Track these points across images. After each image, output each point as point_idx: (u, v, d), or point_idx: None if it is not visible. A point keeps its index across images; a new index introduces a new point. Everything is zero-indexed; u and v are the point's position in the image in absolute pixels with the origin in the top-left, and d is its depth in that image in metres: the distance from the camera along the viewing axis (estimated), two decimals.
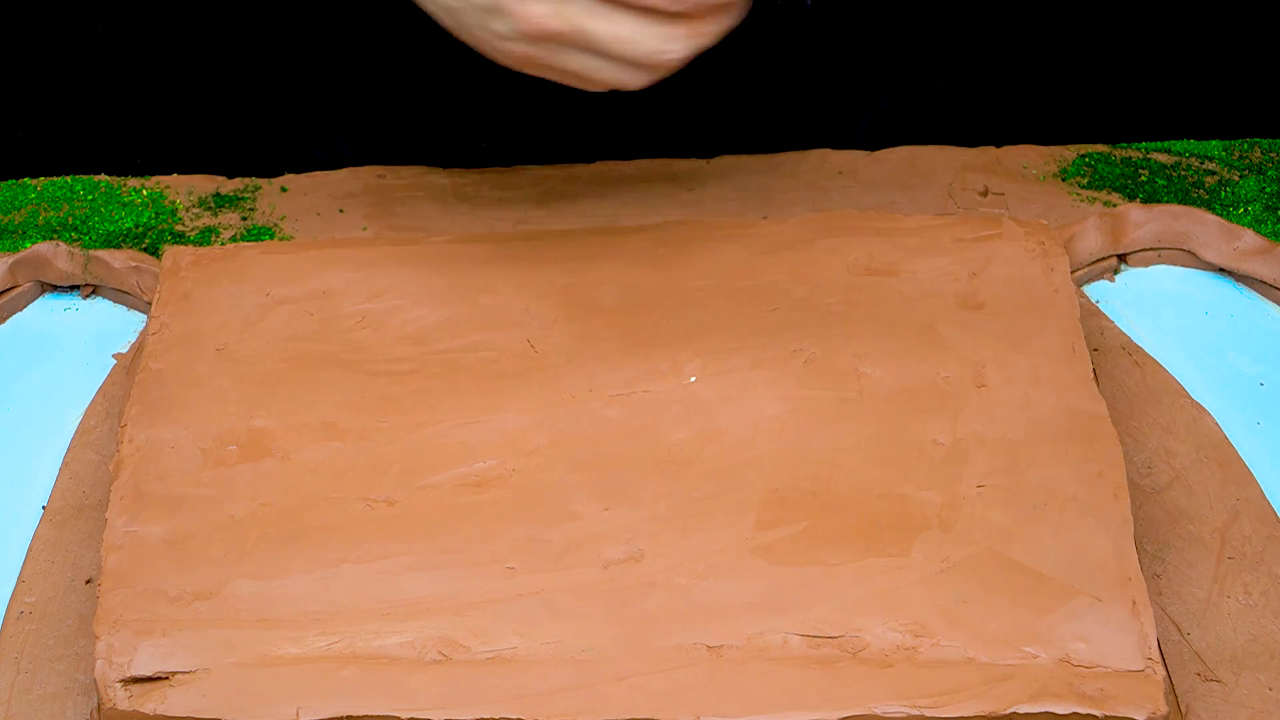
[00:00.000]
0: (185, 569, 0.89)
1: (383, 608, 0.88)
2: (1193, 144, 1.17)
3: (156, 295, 1.03)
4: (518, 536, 0.90)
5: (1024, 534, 0.89)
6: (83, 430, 1.02)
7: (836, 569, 0.88)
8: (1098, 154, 1.16)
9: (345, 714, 0.84)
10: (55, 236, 1.12)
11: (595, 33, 0.91)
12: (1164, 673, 0.85)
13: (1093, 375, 0.97)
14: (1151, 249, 1.10)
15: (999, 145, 1.16)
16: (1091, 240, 1.08)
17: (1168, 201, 1.12)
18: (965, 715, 0.83)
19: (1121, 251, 1.09)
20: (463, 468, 0.94)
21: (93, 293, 1.10)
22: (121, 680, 0.85)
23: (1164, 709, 0.83)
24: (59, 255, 1.09)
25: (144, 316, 1.08)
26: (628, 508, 0.92)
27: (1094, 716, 0.83)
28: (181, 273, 1.04)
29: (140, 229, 1.13)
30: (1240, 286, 1.08)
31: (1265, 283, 1.07)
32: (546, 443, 0.95)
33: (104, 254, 1.09)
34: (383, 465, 0.94)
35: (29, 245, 1.10)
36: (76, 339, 1.07)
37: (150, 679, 0.85)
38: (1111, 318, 1.06)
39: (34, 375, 1.05)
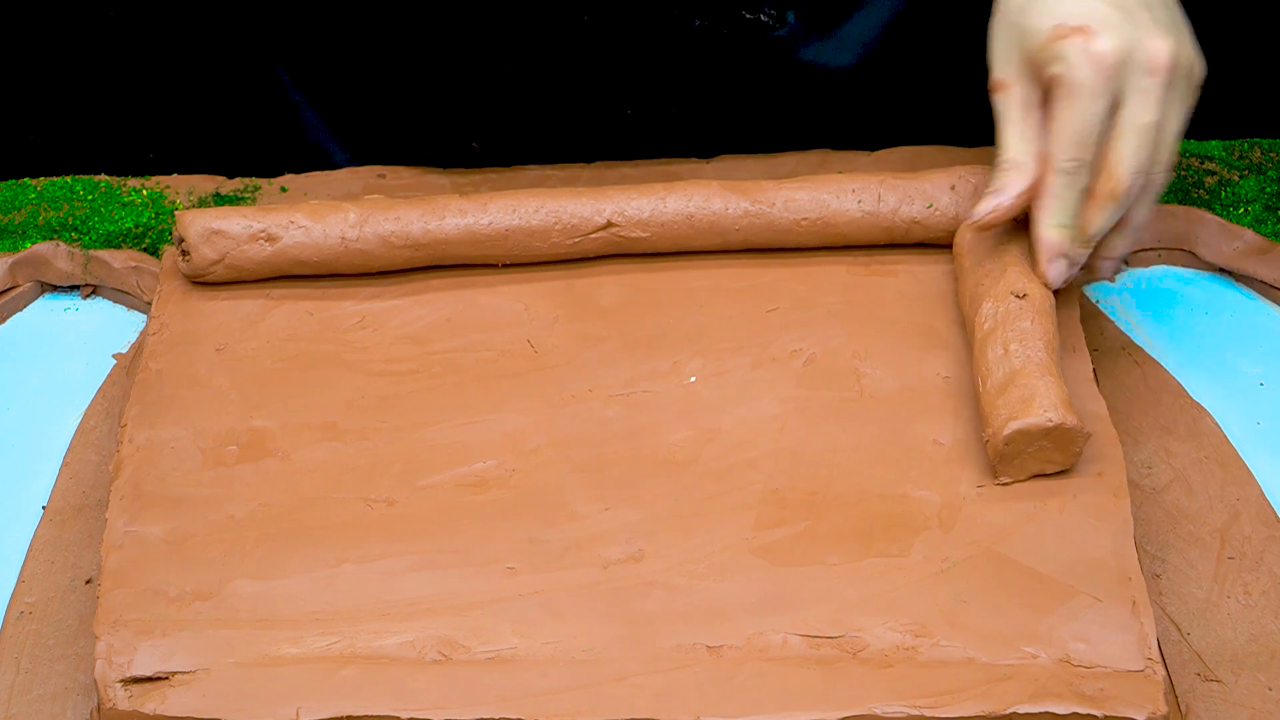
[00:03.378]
0: (185, 569, 0.89)
1: (383, 608, 0.88)
2: (1193, 144, 1.17)
3: (156, 295, 1.03)
4: (518, 537, 0.90)
5: (1024, 534, 0.89)
6: (83, 430, 1.02)
7: (836, 569, 0.88)
8: None
9: (345, 714, 0.84)
10: (55, 236, 1.12)
11: None
12: (1164, 673, 0.85)
13: (1093, 375, 0.97)
14: (1151, 249, 1.10)
15: None
16: None
17: (1168, 201, 1.12)
18: (965, 715, 0.83)
19: None
20: (463, 468, 0.94)
21: (93, 293, 1.10)
22: (121, 680, 0.85)
23: (1164, 709, 0.83)
24: (59, 255, 1.09)
25: (144, 316, 1.08)
26: (628, 508, 0.91)
27: (1094, 716, 0.83)
28: (181, 273, 1.04)
29: (140, 229, 1.12)
30: (1240, 286, 1.08)
31: (1265, 283, 1.07)
32: (546, 443, 0.95)
33: (104, 254, 1.09)
34: (383, 465, 0.94)
35: (29, 245, 1.10)
36: (76, 339, 1.07)
37: (150, 679, 0.85)
38: (1111, 318, 1.06)
39: (34, 375, 1.05)
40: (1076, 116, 0.94)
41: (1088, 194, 0.97)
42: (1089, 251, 0.98)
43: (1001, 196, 0.97)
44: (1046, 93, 0.96)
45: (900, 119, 1.21)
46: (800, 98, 1.18)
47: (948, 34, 1.19)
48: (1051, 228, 0.96)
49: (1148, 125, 0.94)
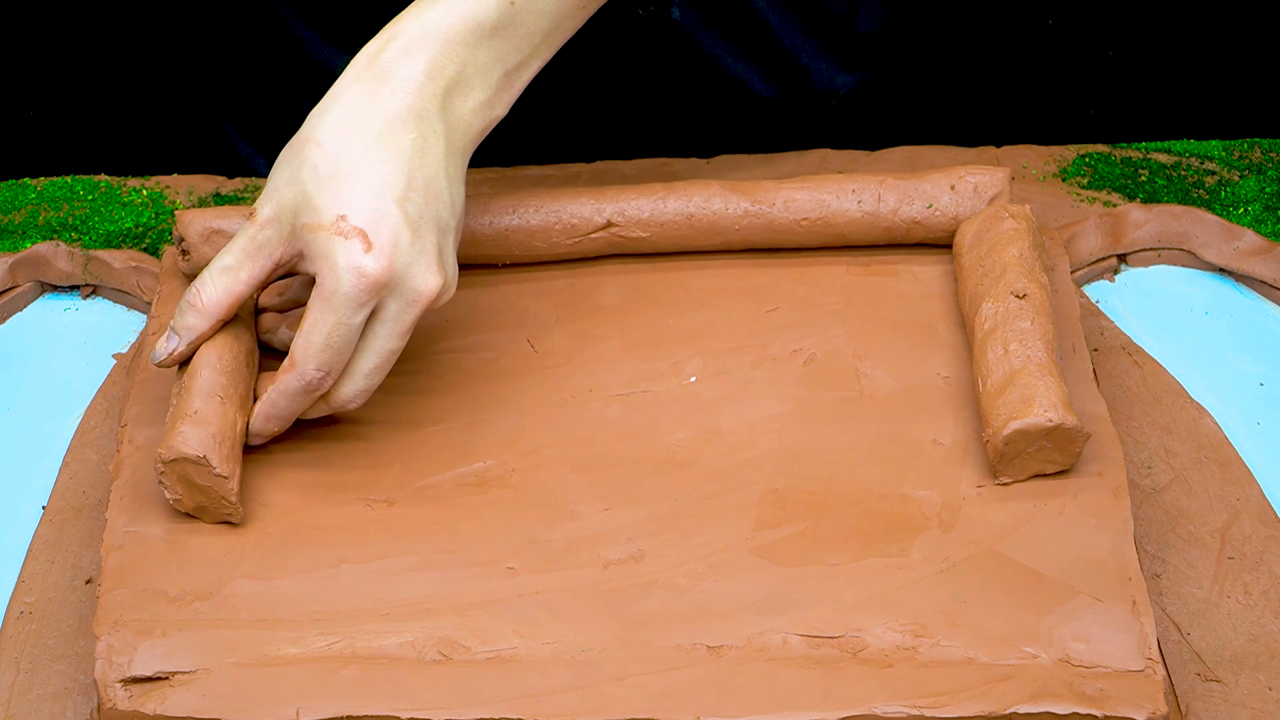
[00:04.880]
0: (185, 569, 0.89)
1: (383, 608, 0.88)
2: (1193, 144, 1.17)
3: (156, 295, 1.03)
4: (518, 536, 0.90)
5: (1024, 534, 0.89)
6: (83, 430, 1.02)
7: (836, 569, 0.88)
8: (1098, 154, 1.16)
9: (345, 714, 0.84)
10: (55, 236, 1.12)
11: None
12: (1164, 673, 0.85)
13: (1093, 375, 0.97)
14: (1151, 249, 1.10)
15: (999, 145, 1.16)
16: (1091, 240, 1.08)
17: (1168, 201, 1.12)
18: (965, 715, 0.83)
19: (1121, 251, 1.09)
20: (463, 468, 0.94)
21: (93, 293, 1.10)
22: (121, 680, 0.85)
23: (1164, 709, 0.83)
24: (59, 255, 1.09)
25: (144, 316, 1.08)
26: (628, 508, 0.91)
27: (1094, 716, 0.83)
28: (181, 273, 1.04)
29: (140, 229, 1.13)
30: (1240, 286, 1.08)
31: (1265, 283, 1.07)
32: (546, 443, 0.95)
33: (104, 254, 1.09)
34: (383, 465, 0.94)
35: (29, 245, 1.10)
36: (76, 339, 1.07)
37: (150, 679, 0.85)
38: (1111, 318, 1.06)
39: (34, 375, 1.05)
40: (331, 326, 0.89)
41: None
42: None
43: (178, 342, 0.93)
44: (298, 260, 0.91)
45: (900, 119, 1.21)
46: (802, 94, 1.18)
47: (944, 33, 1.19)
48: (270, 419, 0.93)
49: (391, 352, 0.92)
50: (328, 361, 0.90)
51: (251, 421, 0.93)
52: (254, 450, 0.94)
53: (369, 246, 0.88)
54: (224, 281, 0.92)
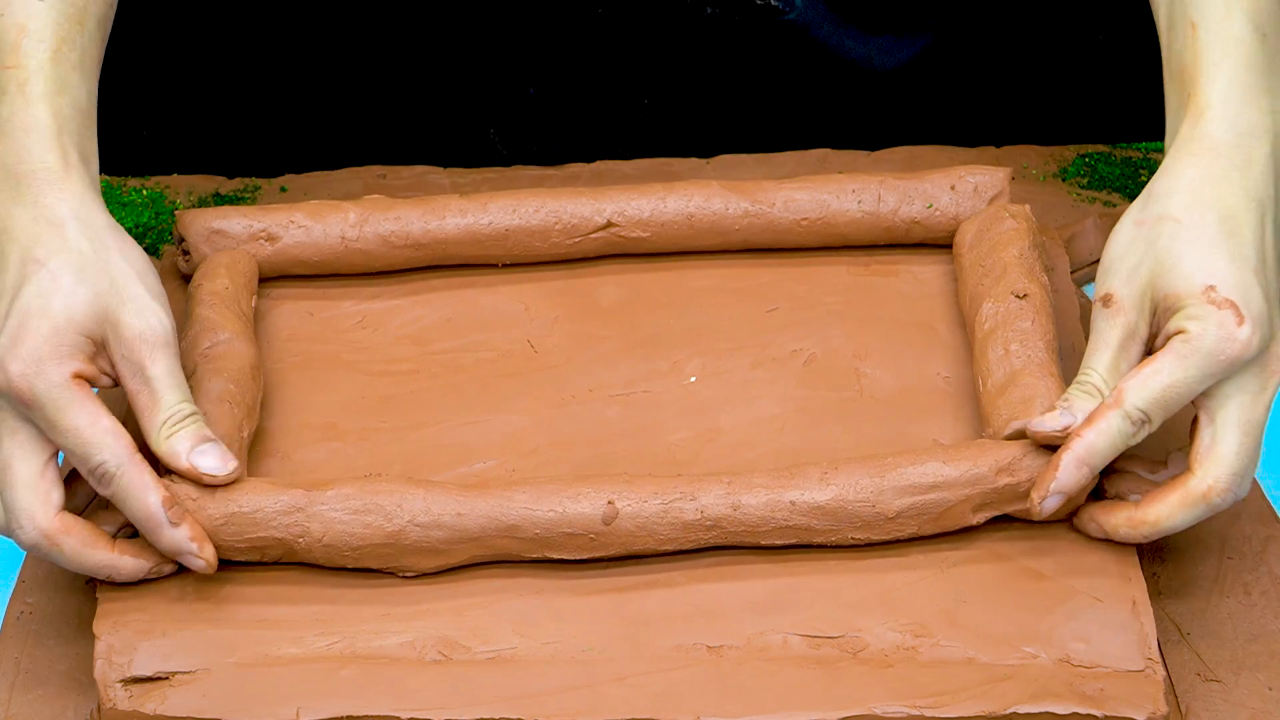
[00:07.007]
0: (185, 569, 0.89)
1: (383, 608, 0.87)
2: None
3: None
4: None
5: (1024, 534, 0.89)
6: None
7: (836, 569, 0.88)
8: (1098, 154, 1.16)
9: (345, 714, 0.84)
10: None
11: None
12: (1164, 673, 0.85)
13: None
14: None
15: (999, 145, 1.16)
16: (1091, 240, 1.08)
17: None
18: (965, 715, 0.83)
19: None
20: (463, 468, 0.94)
21: None
22: (121, 680, 0.85)
23: (1164, 709, 0.83)
24: None
25: None
26: None
27: (1094, 716, 0.83)
28: (181, 273, 1.03)
29: (140, 229, 1.12)
30: None
31: None
32: (546, 443, 0.95)
33: None
34: (383, 465, 0.94)
35: None
36: None
37: (150, 679, 0.85)
38: None
39: None
40: (1179, 382, 0.86)
41: (1169, 488, 0.88)
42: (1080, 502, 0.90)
43: (1070, 419, 0.88)
44: (1154, 333, 0.89)
45: (900, 119, 1.21)
46: (812, 85, 1.18)
47: (944, 33, 1.19)
48: (1082, 464, 0.87)
49: (1255, 422, 0.88)
50: (1155, 410, 0.87)
51: (1068, 469, 0.87)
52: (255, 448, 0.94)
53: (1240, 318, 0.86)
54: (1115, 369, 0.89)
